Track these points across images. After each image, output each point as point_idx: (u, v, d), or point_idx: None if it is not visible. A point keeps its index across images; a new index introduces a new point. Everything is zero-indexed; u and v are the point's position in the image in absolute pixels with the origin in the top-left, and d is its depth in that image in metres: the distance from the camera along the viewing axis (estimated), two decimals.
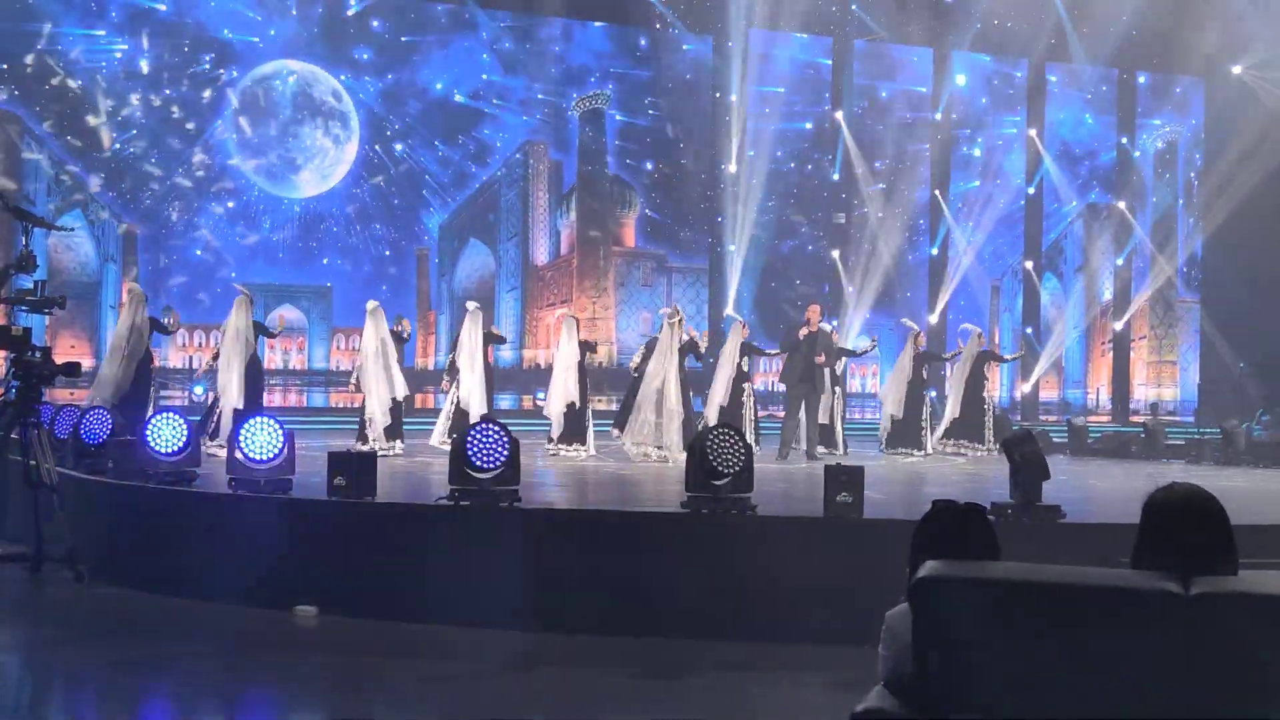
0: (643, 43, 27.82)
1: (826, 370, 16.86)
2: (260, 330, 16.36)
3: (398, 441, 15.54)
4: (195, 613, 9.04)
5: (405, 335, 16.80)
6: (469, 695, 7.20)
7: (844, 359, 18.86)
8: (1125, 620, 2.85)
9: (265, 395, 17.40)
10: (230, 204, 26.07)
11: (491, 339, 17.10)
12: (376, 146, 27.00)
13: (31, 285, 14.03)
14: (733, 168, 26.97)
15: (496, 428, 9.61)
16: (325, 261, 26.73)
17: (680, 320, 15.94)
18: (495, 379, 17.76)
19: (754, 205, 26.96)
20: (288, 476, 9.96)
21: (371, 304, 16.00)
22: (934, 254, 28.06)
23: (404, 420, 16.07)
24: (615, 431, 16.43)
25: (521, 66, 27.54)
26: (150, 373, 16.43)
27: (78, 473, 11.19)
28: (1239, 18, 24.20)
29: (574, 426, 16.16)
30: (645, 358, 15.97)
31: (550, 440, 16.35)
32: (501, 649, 8.08)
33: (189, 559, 9.74)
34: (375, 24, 26.69)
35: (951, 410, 18.48)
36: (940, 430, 18.34)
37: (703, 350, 17.62)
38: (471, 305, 16.80)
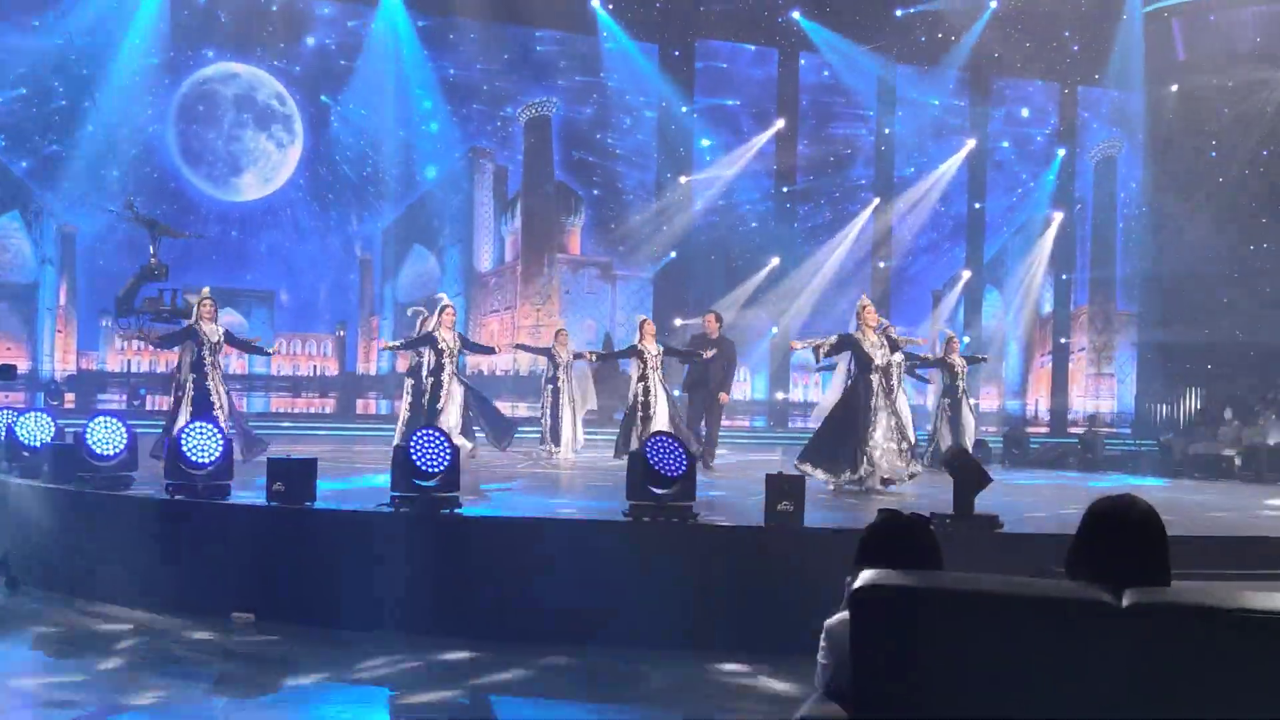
0: (590, 51, 27.77)
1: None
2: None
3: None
4: (130, 620, 8.94)
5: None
6: (406, 703, 7.16)
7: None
8: (1059, 630, 2.87)
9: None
10: (172, 206, 25.82)
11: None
12: (320, 150, 26.84)
13: (158, 294, 13.88)
14: (683, 178, 27.02)
15: (439, 434, 9.58)
16: (267, 266, 26.53)
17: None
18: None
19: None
20: (225, 482, 9.89)
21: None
22: (880, 266, 28.18)
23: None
24: (812, 469, 12.68)
25: (468, 72, 27.47)
26: None
27: (12, 476, 11.04)
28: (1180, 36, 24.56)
29: None
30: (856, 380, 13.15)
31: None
32: (442, 657, 8.03)
33: (125, 565, 9.63)
34: (319, 28, 26.56)
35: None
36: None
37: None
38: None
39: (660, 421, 15.42)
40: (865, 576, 3.09)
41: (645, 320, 16.75)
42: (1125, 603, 2.85)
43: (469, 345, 16.15)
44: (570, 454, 17.50)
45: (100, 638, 8.54)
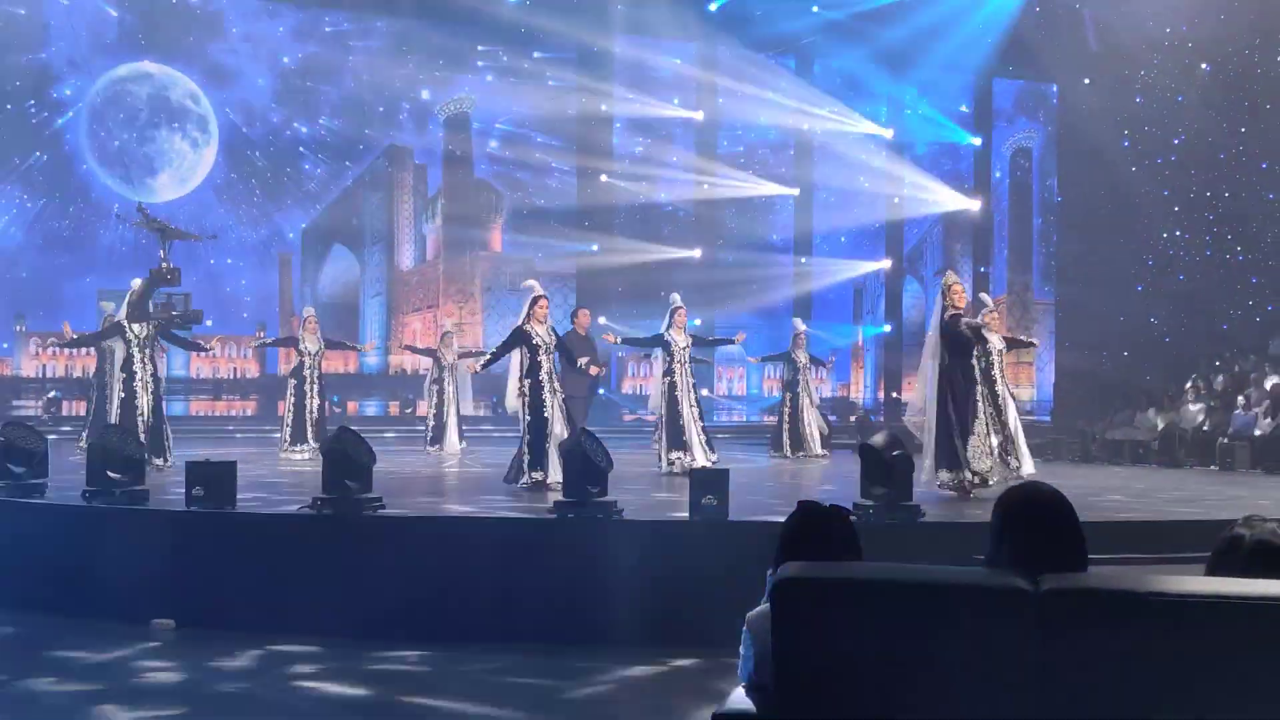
0: (510, 47, 27.52)
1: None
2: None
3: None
4: (48, 629, 8.77)
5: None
6: (332, 710, 7.08)
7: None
8: (978, 618, 2.90)
9: None
10: (85, 207, 25.44)
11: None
12: (237, 150, 26.52)
13: (167, 298, 13.71)
14: (604, 177, 26.95)
15: (359, 436, 9.50)
16: (183, 268, 26.13)
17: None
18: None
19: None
20: (142, 487, 9.75)
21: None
22: (801, 261, 28.20)
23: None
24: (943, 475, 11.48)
25: (388, 68, 27.21)
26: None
27: None
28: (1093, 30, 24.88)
29: None
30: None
31: None
32: (367, 661, 7.95)
33: (42, 574, 9.45)
34: (238, 28, 26.23)
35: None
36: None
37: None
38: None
39: (692, 424, 13.84)
40: (786, 568, 3.11)
41: (679, 308, 14.37)
42: (1042, 588, 2.87)
43: (561, 345, 12.68)
44: (455, 452, 17.63)
45: (14, 650, 8.39)
